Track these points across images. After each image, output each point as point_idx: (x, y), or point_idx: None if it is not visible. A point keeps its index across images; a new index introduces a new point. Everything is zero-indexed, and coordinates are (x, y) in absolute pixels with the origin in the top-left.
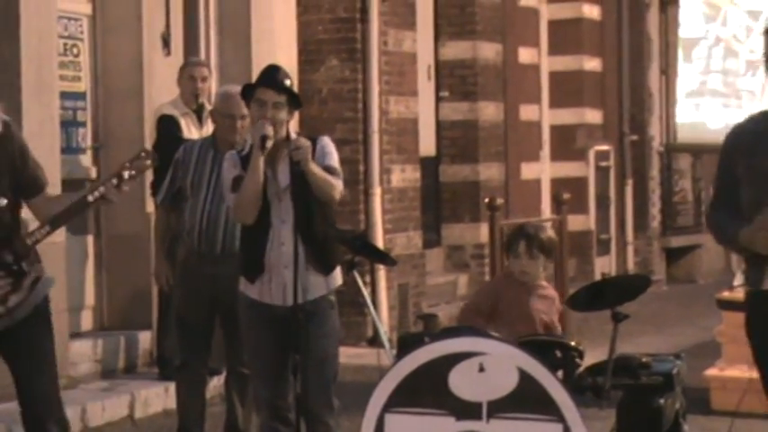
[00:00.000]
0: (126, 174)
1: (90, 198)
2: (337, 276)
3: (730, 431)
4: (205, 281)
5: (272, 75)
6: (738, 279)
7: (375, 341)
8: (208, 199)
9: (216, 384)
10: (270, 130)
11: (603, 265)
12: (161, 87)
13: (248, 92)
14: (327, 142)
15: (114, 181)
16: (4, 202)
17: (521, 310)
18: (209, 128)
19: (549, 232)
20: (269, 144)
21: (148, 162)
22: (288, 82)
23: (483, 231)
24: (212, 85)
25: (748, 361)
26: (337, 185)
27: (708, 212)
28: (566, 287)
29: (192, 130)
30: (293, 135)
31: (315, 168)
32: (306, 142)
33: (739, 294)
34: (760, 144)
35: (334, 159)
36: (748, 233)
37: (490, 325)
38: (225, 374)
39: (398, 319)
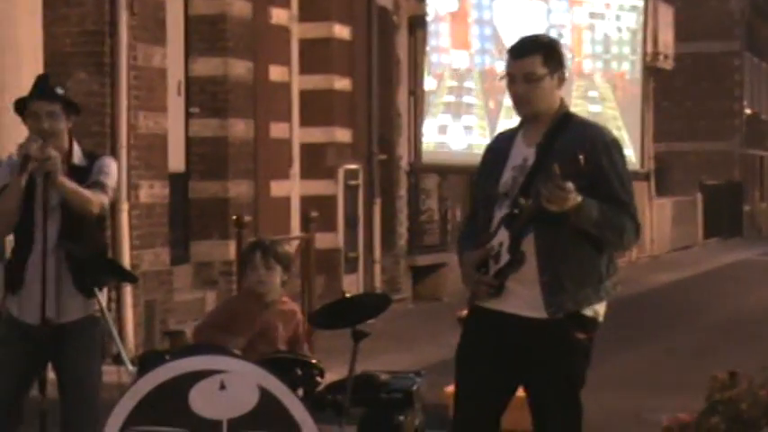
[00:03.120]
0: None
1: None
2: (100, 297)
3: None
4: None
5: (43, 85)
6: None
7: (119, 359)
8: None
9: None
10: (34, 149)
11: (351, 283)
12: None
13: (22, 106)
14: (106, 162)
15: None
16: None
17: (258, 327)
18: None
19: (286, 247)
20: (32, 165)
21: None
22: (60, 90)
23: (232, 248)
24: None
25: None
26: (94, 199)
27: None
28: (313, 305)
29: None
30: (75, 147)
31: (65, 182)
32: (54, 153)
33: None
34: (491, 166)
35: (106, 176)
36: (463, 266)
37: (230, 341)
38: None
39: (145, 336)
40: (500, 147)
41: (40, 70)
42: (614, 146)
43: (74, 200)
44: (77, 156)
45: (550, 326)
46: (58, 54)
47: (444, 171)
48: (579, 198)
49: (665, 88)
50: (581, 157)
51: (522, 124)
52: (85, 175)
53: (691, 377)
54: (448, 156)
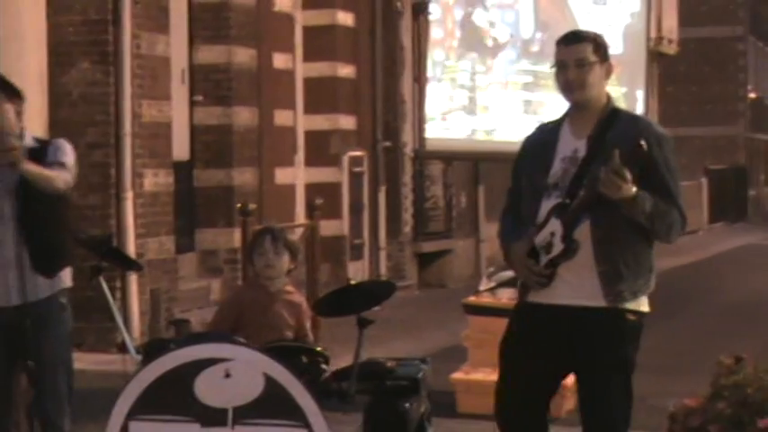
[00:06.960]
0: None
1: None
2: (65, 278)
3: None
4: None
5: None
6: (484, 283)
7: (125, 347)
8: None
9: None
10: None
11: (357, 270)
12: None
13: None
14: (62, 143)
15: None
16: None
17: (265, 318)
18: None
19: (292, 235)
20: None
21: None
22: None
23: (237, 236)
24: None
25: (492, 364)
26: (58, 177)
27: (501, 215)
28: (318, 292)
29: None
30: (25, 130)
31: (31, 168)
32: (18, 143)
33: (485, 299)
34: (539, 158)
35: (64, 154)
36: (513, 258)
37: (238, 333)
38: None
39: (150, 324)
40: (546, 139)
41: (44, 59)
42: (665, 139)
43: (39, 182)
44: (28, 138)
45: (604, 313)
46: (61, 43)
47: (449, 158)
48: (634, 189)
49: (669, 73)
50: (643, 143)
51: (565, 117)
52: (39, 156)
53: (697, 362)
54: (452, 142)
